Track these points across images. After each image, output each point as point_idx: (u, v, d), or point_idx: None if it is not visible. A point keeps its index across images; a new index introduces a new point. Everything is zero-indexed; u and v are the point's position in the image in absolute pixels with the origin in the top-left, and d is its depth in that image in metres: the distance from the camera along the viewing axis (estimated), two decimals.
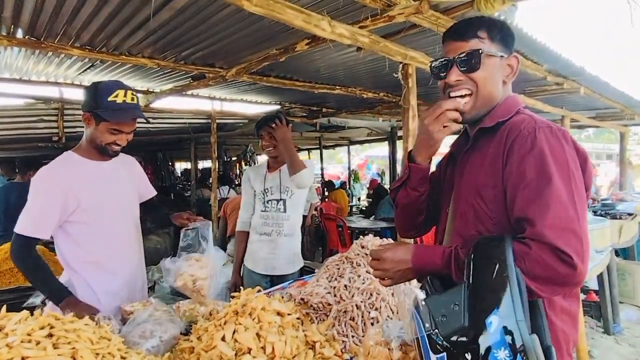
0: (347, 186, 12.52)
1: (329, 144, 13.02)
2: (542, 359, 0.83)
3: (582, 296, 4.20)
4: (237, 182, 10.18)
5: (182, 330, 1.49)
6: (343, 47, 3.30)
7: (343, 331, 1.50)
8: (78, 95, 4.89)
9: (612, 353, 3.73)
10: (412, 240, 2.10)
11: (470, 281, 0.92)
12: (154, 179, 9.60)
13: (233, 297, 1.43)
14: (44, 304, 2.24)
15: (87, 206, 1.76)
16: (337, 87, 4.92)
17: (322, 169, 12.23)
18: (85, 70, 4.02)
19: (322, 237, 6.66)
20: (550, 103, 5.59)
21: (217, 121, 6.25)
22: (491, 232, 1.07)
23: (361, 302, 1.54)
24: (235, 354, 1.20)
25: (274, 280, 2.52)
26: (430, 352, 0.91)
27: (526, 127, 1.05)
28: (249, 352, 1.19)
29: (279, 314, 1.35)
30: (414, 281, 1.20)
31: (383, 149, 16.05)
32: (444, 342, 0.89)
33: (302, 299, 1.64)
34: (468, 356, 0.85)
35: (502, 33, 1.16)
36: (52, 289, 1.71)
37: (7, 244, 3.04)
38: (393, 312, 1.54)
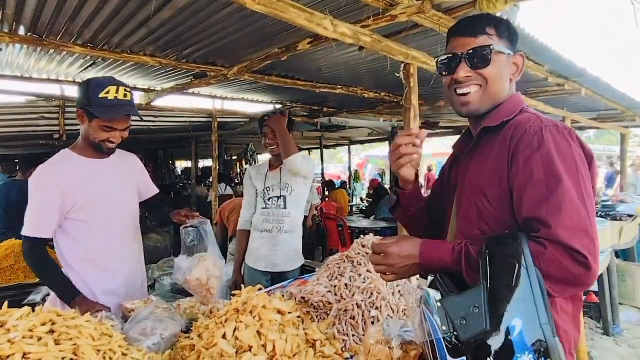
0: (348, 186, 12.52)
1: (329, 143, 13.04)
2: None
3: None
4: (237, 181, 10.20)
5: (183, 328, 1.50)
6: (345, 47, 3.30)
7: (344, 330, 1.50)
8: None
9: (612, 354, 3.73)
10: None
11: (489, 282, 0.89)
12: (154, 178, 9.58)
13: (234, 295, 1.43)
14: (44, 301, 2.25)
15: (83, 204, 1.75)
16: (339, 86, 4.91)
17: (322, 168, 12.23)
18: (87, 68, 4.02)
19: (322, 237, 6.67)
20: (552, 104, 5.59)
21: (218, 120, 6.24)
22: (494, 232, 1.06)
23: (362, 301, 1.54)
24: (236, 352, 1.20)
25: (274, 278, 2.52)
26: (448, 355, 0.88)
27: (532, 126, 1.04)
28: (250, 350, 1.19)
29: (279, 312, 1.35)
30: (414, 279, 1.19)
31: (383, 149, 16.09)
32: (463, 346, 0.85)
33: (302, 298, 1.64)
34: None
35: (509, 31, 1.16)
36: (63, 288, 1.71)
37: (7, 241, 3.05)
38: (394, 311, 1.54)
